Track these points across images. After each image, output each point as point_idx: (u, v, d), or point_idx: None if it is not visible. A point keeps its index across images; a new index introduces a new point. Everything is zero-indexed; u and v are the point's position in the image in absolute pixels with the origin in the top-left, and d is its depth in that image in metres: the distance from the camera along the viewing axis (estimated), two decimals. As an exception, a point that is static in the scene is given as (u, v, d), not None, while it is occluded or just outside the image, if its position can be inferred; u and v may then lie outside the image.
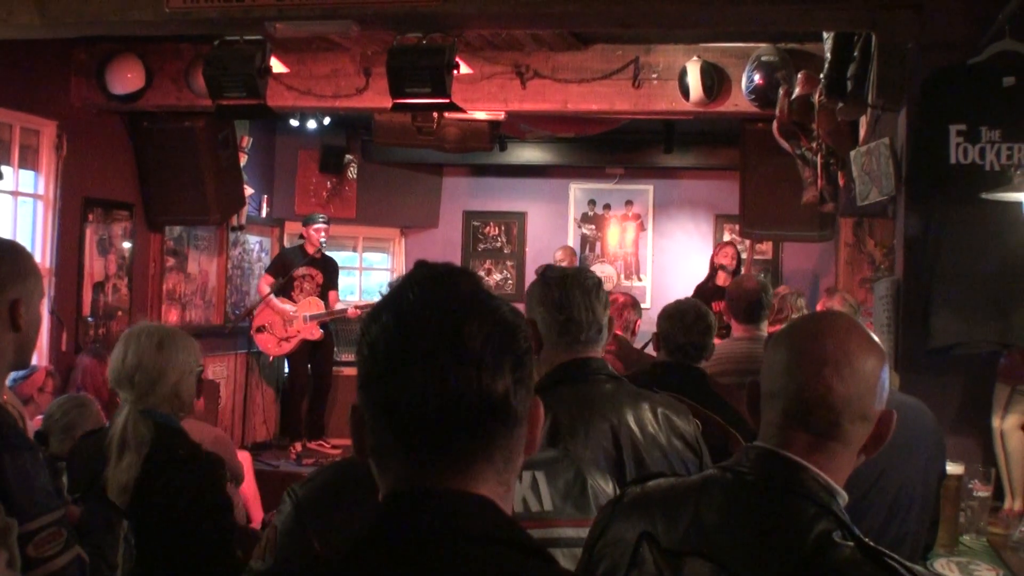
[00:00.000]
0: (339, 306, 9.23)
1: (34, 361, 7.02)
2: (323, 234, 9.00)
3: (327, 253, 9.31)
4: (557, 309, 2.69)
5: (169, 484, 2.92)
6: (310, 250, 9.05)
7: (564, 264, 9.37)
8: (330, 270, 9.26)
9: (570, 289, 2.71)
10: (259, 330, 9.02)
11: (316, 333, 8.97)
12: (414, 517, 1.18)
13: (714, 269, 8.81)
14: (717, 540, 1.65)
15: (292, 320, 8.94)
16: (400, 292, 1.26)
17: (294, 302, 9.01)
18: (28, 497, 2.16)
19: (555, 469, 1.99)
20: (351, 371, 9.56)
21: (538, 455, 1.90)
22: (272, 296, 8.99)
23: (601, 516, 1.83)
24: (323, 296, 9.10)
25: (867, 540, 1.58)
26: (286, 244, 10.48)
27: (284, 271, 9.09)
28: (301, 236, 9.30)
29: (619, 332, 5.20)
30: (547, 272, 2.81)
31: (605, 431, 2.59)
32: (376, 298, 1.33)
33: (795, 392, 1.69)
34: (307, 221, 9.15)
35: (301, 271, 9.07)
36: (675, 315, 4.03)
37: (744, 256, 9.69)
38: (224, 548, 2.97)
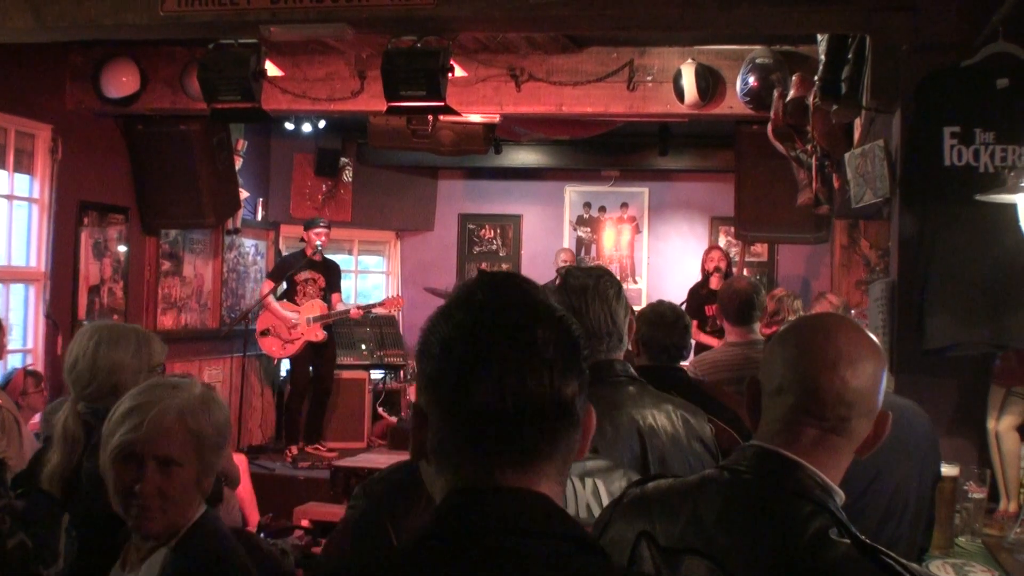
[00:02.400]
0: (340, 307, 9.25)
1: (19, 364, 7.01)
2: (323, 238, 9.02)
3: (326, 256, 9.33)
4: (576, 318, 2.67)
5: (93, 474, 2.94)
6: (313, 254, 9.07)
7: (566, 264, 9.41)
8: (332, 273, 9.29)
9: (591, 302, 2.69)
10: (263, 333, 9.05)
11: (320, 335, 9.01)
12: (478, 513, 1.20)
13: (707, 274, 8.83)
14: (714, 538, 1.66)
15: (295, 324, 8.97)
16: (470, 293, 1.29)
17: (297, 306, 9.03)
18: None
19: (610, 477, 2.10)
20: (351, 375, 9.58)
21: (592, 464, 2.00)
22: (272, 300, 9.00)
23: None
24: (326, 299, 9.13)
25: (863, 538, 1.59)
26: (282, 247, 10.51)
27: (285, 275, 9.12)
28: (302, 240, 9.32)
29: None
30: (569, 280, 2.78)
31: (632, 432, 2.61)
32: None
33: (809, 386, 1.71)
34: (308, 225, 9.17)
35: (304, 275, 9.11)
36: (654, 318, 4.07)
37: (736, 258, 9.70)
38: None
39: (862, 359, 1.72)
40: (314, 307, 9.04)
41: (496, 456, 1.22)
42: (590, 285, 2.73)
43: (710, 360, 5.06)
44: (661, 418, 2.66)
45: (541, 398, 1.21)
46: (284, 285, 9.16)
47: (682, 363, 4.26)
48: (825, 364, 1.71)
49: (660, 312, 4.10)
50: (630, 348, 3.64)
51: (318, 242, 8.97)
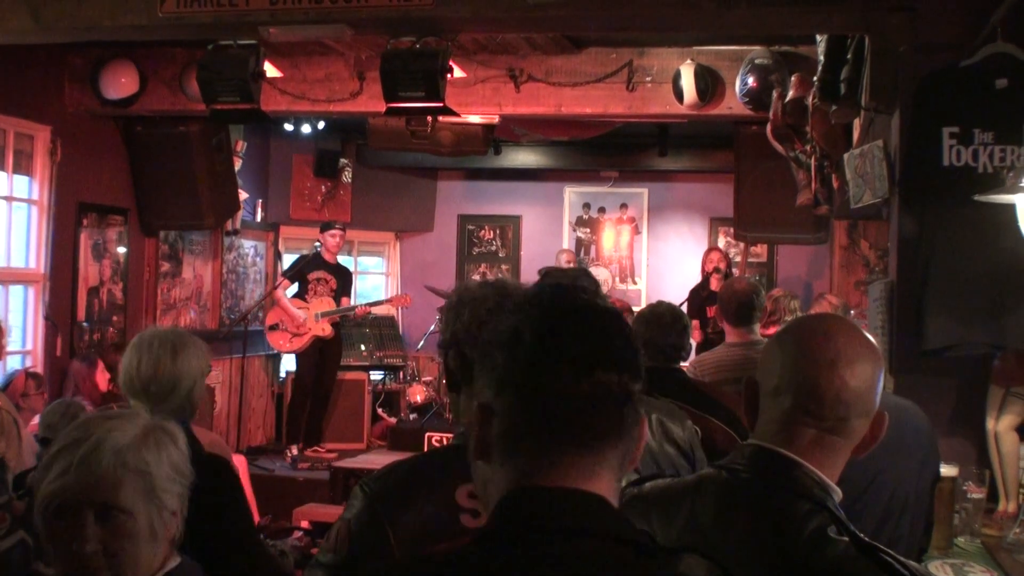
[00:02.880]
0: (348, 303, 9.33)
1: (19, 365, 7.01)
2: (337, 238, 9.14)
3: (340, 261, 9.45)
4: None
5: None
6: (328, 257, 9.21)
7: (569, 266, 9.42)
8: (344, 277, 9.40)
9: None
10: (272, 328, 9.11)
11: (327, 330, 9.08)
12: (538, 511, 1.23)
13: (706, 276, 8.82)
14: (712, 537, 1.66)
15: (304, 319, 9.03)
16: (537, 292, 1.36)
17: (307, 303, 9.10)
18: None
19: None
20: (350, 376, 9.59)
21: None
22: (283, 297, 9.13)
23: None
24: (336, 301, 9.20)
25: (862, 536, 1.59)
26: (281, 248, 10.54)
27: (298, 273, 9.20)
28: (316, 243, 9.42)
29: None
30: (547, 280, 2.80)
31: None
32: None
33: (808, 387, 1.72)
34: (324, 228, 9.28)
35: (316, 274, 9.20)
36: (652, 319, 4.08)
37: (737, 259, 9.70)
38: (238, 547, 2.85)
39: (860, 359, 1.72)
40: (323, 304, 9.12)
41: (560, 453, 1.25)
42: (567, 284, 2.74)
43: (710, 360, 5.06)
44: None
45: (612, 387, 1.25)
46: (296, 285, 9.22)
47: (682, 364, 4.26)
48: (824, 364, 1.72)
49: (658, 313, 4.12)
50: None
51: (316, 245, 9.05)
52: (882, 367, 1.77)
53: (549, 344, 1.26)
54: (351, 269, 9.90)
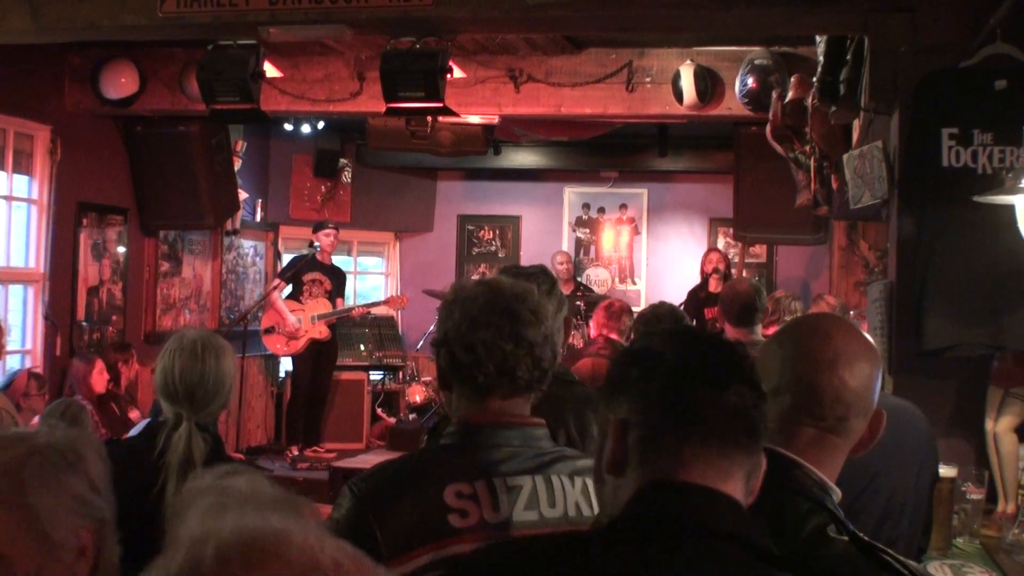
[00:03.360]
0: (344, 306, 9.30)
1: (18, 365, 7.01)
2: (331, 238, 9.10)
3: (334, 262, 9.40)
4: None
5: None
6: (322, 257, 9.18)
7: (563, 268, 9.43)
8: (338, 278, 9.38)
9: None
10: (267, 331, 9.09)
11: (324, 332, 9.07)
12: (671, 507, 1.31)
13: (705, 276, 8.82)
14: None
15: (299, 322, 9.00)
16: (678, 331, 1.61)
17: (302, 305, 9.07)
18: None
19: None
20: (349, 376, 9.59)
21: (582, 463, 2.02)
22: (278, 299, 9.09)
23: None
24: (331, 301, 9.18)
25: (861, 535, 1.60)
26: (281, 248, 10.52)
27: (292, 275, 9.17)
28: (311, 243, 9.39)
29: (616, 337, 5.21)
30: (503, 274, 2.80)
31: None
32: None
33: (807, 387, 1.72)
34: (317, 227, 9.24)
35: (311, 275, 9.17)
36: (653, 319, 4.10)
37: (736, 260, 9.70)
38: None
39: (859, 359, 1.73)
40: (318, 306, 9.10)
41: (706, 445, 1.34)
42: (521, 279, 2.76)
43: None
44: (579, 420, 2.67)
45: (747, 399, 1.37)
46: (290, 286, 9.20)
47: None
48: (823, 365, 1.72)
49: (659, 314, 4.14)
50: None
51: (315, 245, 9.03)
52: (880, 367, 1.77)
53: (689, 357, 1.40)
54: (350, 269, 9.90)
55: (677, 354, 1.40)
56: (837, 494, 1.71)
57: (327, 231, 9.14)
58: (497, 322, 1.94)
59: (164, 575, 0.83)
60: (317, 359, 9.15)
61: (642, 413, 1.37)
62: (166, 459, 2.71)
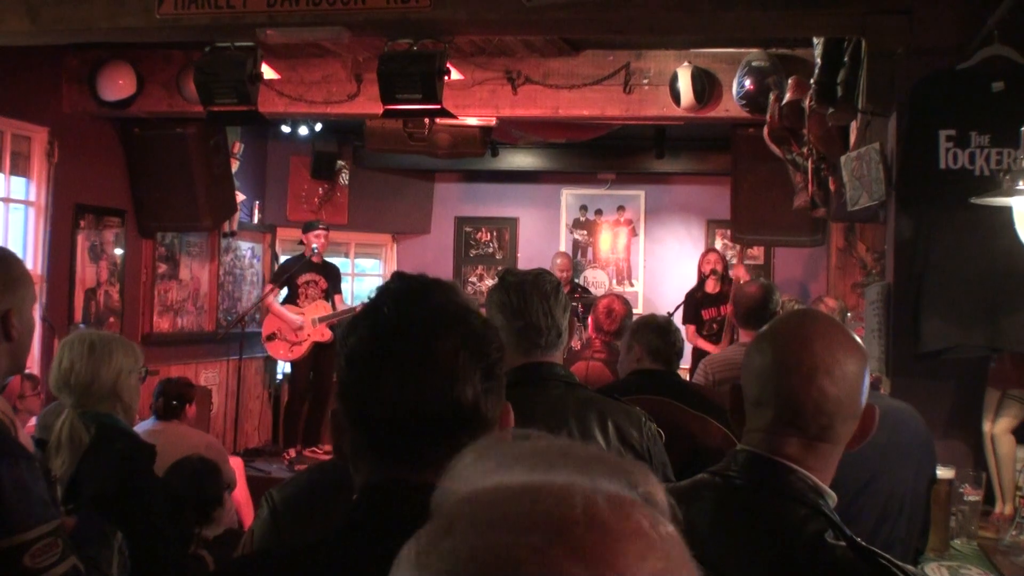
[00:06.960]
0: (344, 307, 9.26)
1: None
2: (321, 240, 9.03)
3: (326, 259, 9.34)
4: (514, 315, 2.69)
5: (96, 474, 3.02)
6: (314, 257, 9.08)
7: (562, 270, 9.43)
8: (332, 275, 9.29)
9: (528, 295, 2.70)
10: (270, 338, 9.01)
11: (326, 334, 9.01)
12: (387, 506, 1.26)
13: (703, 278, 8.82)
14: (708, 545, 1.65)
15: (301, 326, 8.97)
16: (376, 305, 1.34)
17: (300, 308, 9.03)
18: (26, 507, 2.14)
19: None
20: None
21: None
22: (276, 304, 9.01)
23: None
24: (328, 300, 9.14)
25: (859, 540, 1.59)
26: (278, 250, 10.50)
27: (285, 279, 9.12)
28: (300, 243, 9.33)
29: (613, 340, 5.23)
30: (506, 277, 2.81)
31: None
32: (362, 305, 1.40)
33: (787, 400, 1.69)
34: (307, 228, 9.17)
35: (305, 277, 9.09)
36: (653, 326, 4.16)
37: (733, 261, 9.70)
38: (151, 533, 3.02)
39: (839, 364, 1.68)
40: (318, 308, 9.05)
41: (396, 462, 1.29)
42: (528, 280, 2.76)
43: (720, 359, 5.09)
44: (581, 423, 2.62)
45: (438, 407, 1.27)
46: (286, 290, 9.16)
47: (683, 365, 4.32)
48: (801, 376, 1.68)
49: (657, 322, 4.25)
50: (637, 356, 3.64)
51: (315, 245, 8.98)
52: (865, 364, 1.73)
53: (372, 371, 1.32)
54: (347, 271, 9.87)
55: (364, 352, 1.33)
56: (833, 498, 1.70)
57: (317, 232, 9.03)
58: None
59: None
60: (316, 359, 9.12)
61: (345, 416, 1.36)
62: (50, 444, 3.07)
